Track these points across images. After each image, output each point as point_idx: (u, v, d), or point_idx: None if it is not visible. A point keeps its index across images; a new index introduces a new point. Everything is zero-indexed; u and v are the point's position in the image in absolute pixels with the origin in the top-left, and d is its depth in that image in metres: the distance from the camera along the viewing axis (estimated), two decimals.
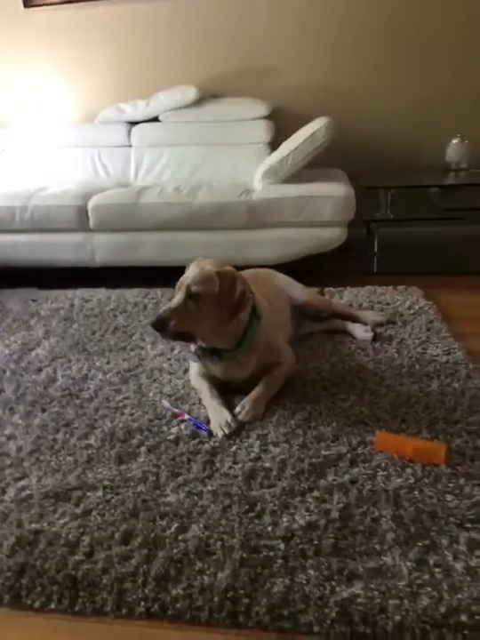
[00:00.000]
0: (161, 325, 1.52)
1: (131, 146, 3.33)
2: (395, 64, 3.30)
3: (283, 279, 2.14)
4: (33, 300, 2.69)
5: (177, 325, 1.52)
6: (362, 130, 3.36)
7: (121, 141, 3.32)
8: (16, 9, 3.44)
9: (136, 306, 2.58)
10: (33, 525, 1.21)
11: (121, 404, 1.72)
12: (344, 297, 2.54)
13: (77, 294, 2.76)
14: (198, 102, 3.22)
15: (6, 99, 3.66)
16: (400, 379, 1.79)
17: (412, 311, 2.36)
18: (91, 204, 2.79)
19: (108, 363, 2.01)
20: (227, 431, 1.52)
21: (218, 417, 1.57)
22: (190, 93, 3.17)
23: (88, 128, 3.38)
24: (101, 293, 2.76)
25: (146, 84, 3.43)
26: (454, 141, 3.20)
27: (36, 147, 3.39)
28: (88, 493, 1.31)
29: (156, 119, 3.30)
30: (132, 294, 2.72)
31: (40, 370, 1.97)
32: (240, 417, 1.58)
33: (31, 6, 3.42)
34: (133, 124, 3.33)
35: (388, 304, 2.45)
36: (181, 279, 1.62)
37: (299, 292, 2.13)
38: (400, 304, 2.44)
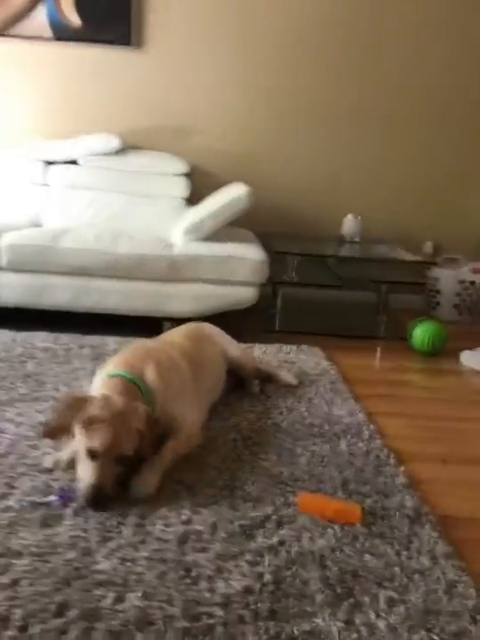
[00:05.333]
0: (99, 503, 1.40)
1: (46, 185, 3.27)
2: (305, 140, 3.64)
3: (219, 335, 2.21)
4: None
5: (111, 490, 1.43)
6: (270, 196, 3.61)
7: (36, 179, 3.25)
8: None
9: (46, 351, 2.50)
10: None
11: (39, 460, 1.65)
12: (254, 353, 2.67)
13: None
14: (119, 151, 3.27)
15: None
16: (313, 438, 1.92)
17: (316, 371, 2.55)
18: (4, 242, 2.68)
19: (21, 414, 1.91)
20: (49, 464, 1.57)
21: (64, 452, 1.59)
22: (114, 142, 3.22)
23: (2, 161, 3.25)
24: (5, 335, 2.63)
25: (67, 125, 3.44)
26: (349, 216, 3.58)
27: None
28: (14, 561, 1.24)
29: (74, 162, 3.28)
30: (40, 338, 2.63)
31: None
32: (131, 493, 1.48)
33: None
34: (50, 163, 3.28)
35: (293, 362, 2.63)
36: (89, 443, 1.43)
37: (235, 349, 2.21)
38: (304, 363, 2.62)
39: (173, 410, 1.69)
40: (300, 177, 3.68)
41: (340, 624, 1.16)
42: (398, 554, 1.38)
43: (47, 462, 1.59)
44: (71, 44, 3.35)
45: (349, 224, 3.54)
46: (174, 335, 2.10)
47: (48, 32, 3.30)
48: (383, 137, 3.67)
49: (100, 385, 1.65)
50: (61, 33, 3.31)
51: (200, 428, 1.81)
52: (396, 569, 1.33)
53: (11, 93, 3.42)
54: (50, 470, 1.59)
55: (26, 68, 3.40)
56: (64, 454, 1.60)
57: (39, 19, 3.28)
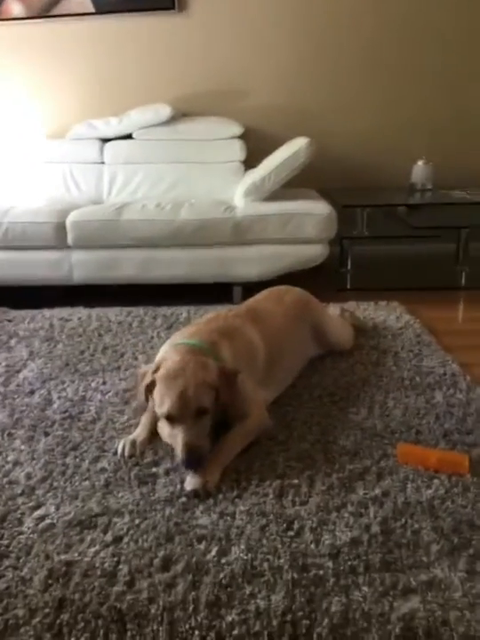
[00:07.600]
0: (198, 462, 1.34)
1: (103, 163, 3.26)
2: (364, 88, 3.43)
3: (319, 312, 2.05)
4: (8, 321, 2.56)
5: (204, 446, 1.37)
6: (330, 150, 3.43)
7: (93, 158, 3.25)
8: None
9: (120, 325, 2.50)
10: (63, 557, 1.12)
11: (127, 424, 1.65)
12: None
13: (55, 314, 2.64)
14: (171, 120, 3.21)
15: None
16: (405, 391, 1.82)
17: (399, 325, 2.41)
18: (69, 221, 2.70)
19: (105, 383, 1.92)
20: (125, 452, 1.46)
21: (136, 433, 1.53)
22: (164, 112, 3.15)
23: (59, 144, 3.28)
24: (81, 312, 2.66)
25: (118, 100, 3.40)
26: (420, 163, 3.34)
27: (3, 162, 3.27)
28: (114, 519, 1.23)
29: (128, 136, 3.25)
30: (114, 313, 2.64)
31: (32, 392, 1.86)
32: (185, 484, 1.33)
33: None
34: (105, 140, 3.27)
35: (372, 319, 2.50)
36: (160, 409, 1.40)
37: (333, 331, 2.06)
38: (385, 319, 2.49)
39: (245, 390, 1.53)
40: (361, 127, 3.48)
41: (461, 574, 1.08)
42: None
43: (120, 448, 1.49)
44: (113, 15, 3.29)
45: (420, 171, 3.30)
46: (265, 302, 1.94)
47: (89, 7, 3.25)
48: (448, 76, 3.40)
49: (164, 354, 1.59)
50: (102, 5, 3.25)
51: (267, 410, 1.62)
52: None
53: (58, 74, 3.42)
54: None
55: (70, 47, 3.38)
56: (137, 436, 1.53)
57: None
